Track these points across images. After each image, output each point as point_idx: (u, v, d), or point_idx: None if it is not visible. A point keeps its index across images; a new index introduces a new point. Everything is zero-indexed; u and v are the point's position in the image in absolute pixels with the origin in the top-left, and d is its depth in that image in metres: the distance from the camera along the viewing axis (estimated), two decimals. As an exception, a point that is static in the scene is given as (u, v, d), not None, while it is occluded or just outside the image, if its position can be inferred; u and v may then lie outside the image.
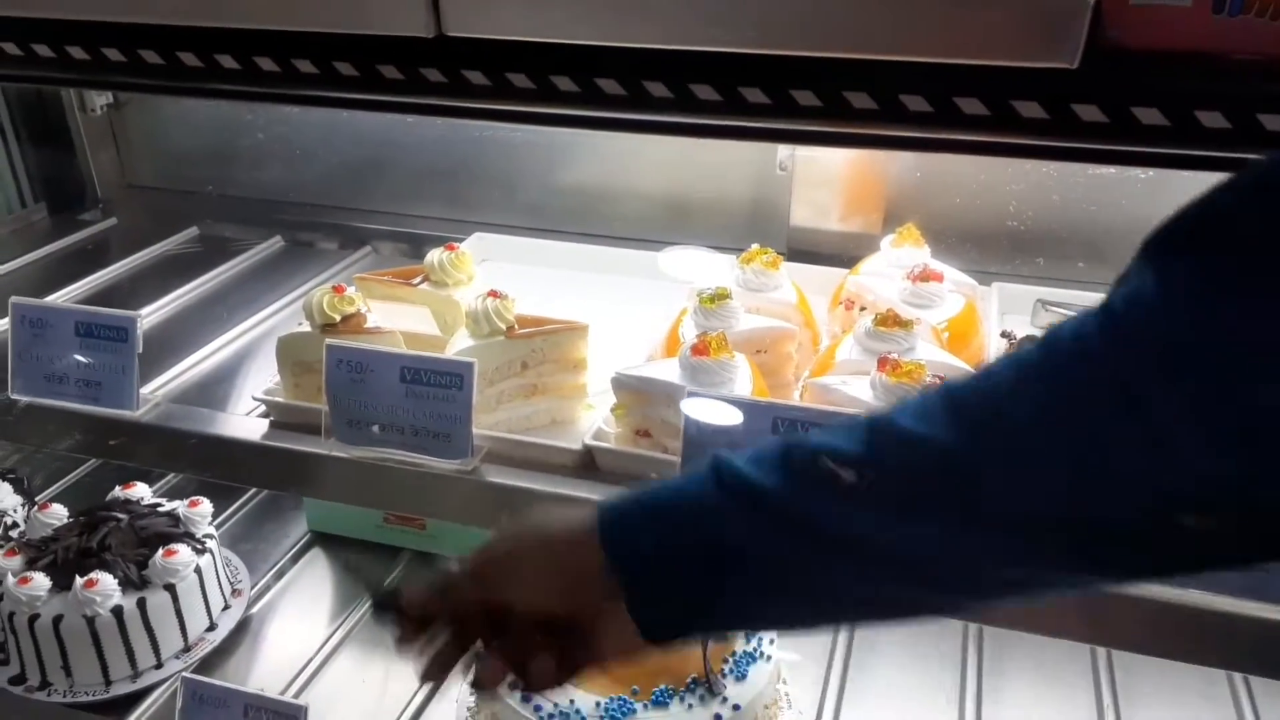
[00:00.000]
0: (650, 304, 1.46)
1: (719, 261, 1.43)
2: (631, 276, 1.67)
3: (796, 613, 0.72)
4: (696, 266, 1.45)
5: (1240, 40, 0.97)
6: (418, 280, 1.38)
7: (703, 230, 1.74)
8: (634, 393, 1.15)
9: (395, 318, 1.30)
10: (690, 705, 1.25)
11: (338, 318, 1.23)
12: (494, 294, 1.23)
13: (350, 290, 1.26)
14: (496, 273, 1.75)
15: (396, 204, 1.99)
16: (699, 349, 1.13)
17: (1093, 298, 1.49)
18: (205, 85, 1.17)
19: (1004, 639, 1.52)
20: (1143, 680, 1.46)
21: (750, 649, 1.33)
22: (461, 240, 1.75)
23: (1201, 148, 0.92)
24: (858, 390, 1.11)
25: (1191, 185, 1.38)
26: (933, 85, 0.98)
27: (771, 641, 1.36)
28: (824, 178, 1.73)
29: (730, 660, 1.31)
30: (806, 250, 1.73)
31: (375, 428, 1.14)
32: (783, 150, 1.72)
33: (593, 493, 1.11)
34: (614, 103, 1.04)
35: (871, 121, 1.02)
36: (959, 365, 1.20)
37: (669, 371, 1.14)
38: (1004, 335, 1.28)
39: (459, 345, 1.20)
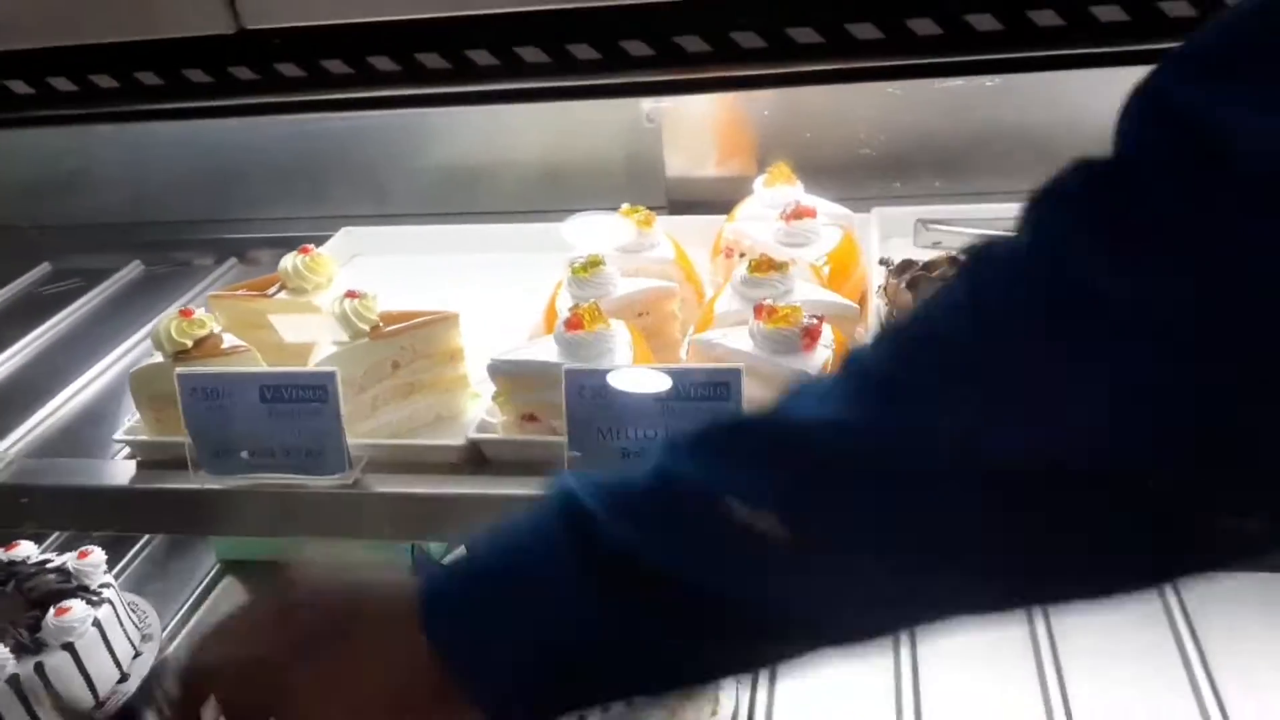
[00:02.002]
0: (535, 279, 1.41)
1: (622, 223, 1.38)
2: (513, 252, 1.61)
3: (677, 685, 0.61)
4: (601, 231, 1.39)
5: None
6: (274, 290, 1.31)
7: (580, 194, 1.68)
8: (511, 378, 1.10)
9: (291, 330, 1.23)
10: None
11: (189, 343, 1.16)
12: (352, 294, 1.16)
13: (200, 312, 1.19)
14: (370, 267, 1.68)
15: (261, 209, 1.89)
16: (572, 323, 1.09)
17: (972, 210, 1.49)
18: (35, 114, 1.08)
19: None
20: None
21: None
22: (330, 237, 1.68)
23: (1038, 48, 0.91)
24: (737, 341, 1.08)
25: (1035, 86, 1.37)
26: (765, 17, 0.95)
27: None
28: (693, 126, 1.69)
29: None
30: (687, 200, 1.69)
31: (244, 453, 1.08)
32: (647, 103, 1.67)
33: (487, 488, 1.06)
34: (437, 77, 0.98)
35: (708, 65, 0.99)
36: (838, 301, 1.18)
37: (546, 350, 1.10)
38: (883, 262, 1.26)
39: (321, 354, 1.14)
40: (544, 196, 1.76)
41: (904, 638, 1.42)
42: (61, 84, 1.04)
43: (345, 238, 1.70)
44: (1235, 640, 1.39)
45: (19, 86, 1.05)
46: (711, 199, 1.64)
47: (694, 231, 1.49)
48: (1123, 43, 0.89)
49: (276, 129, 1.81)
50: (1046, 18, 0.90)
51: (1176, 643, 1.40)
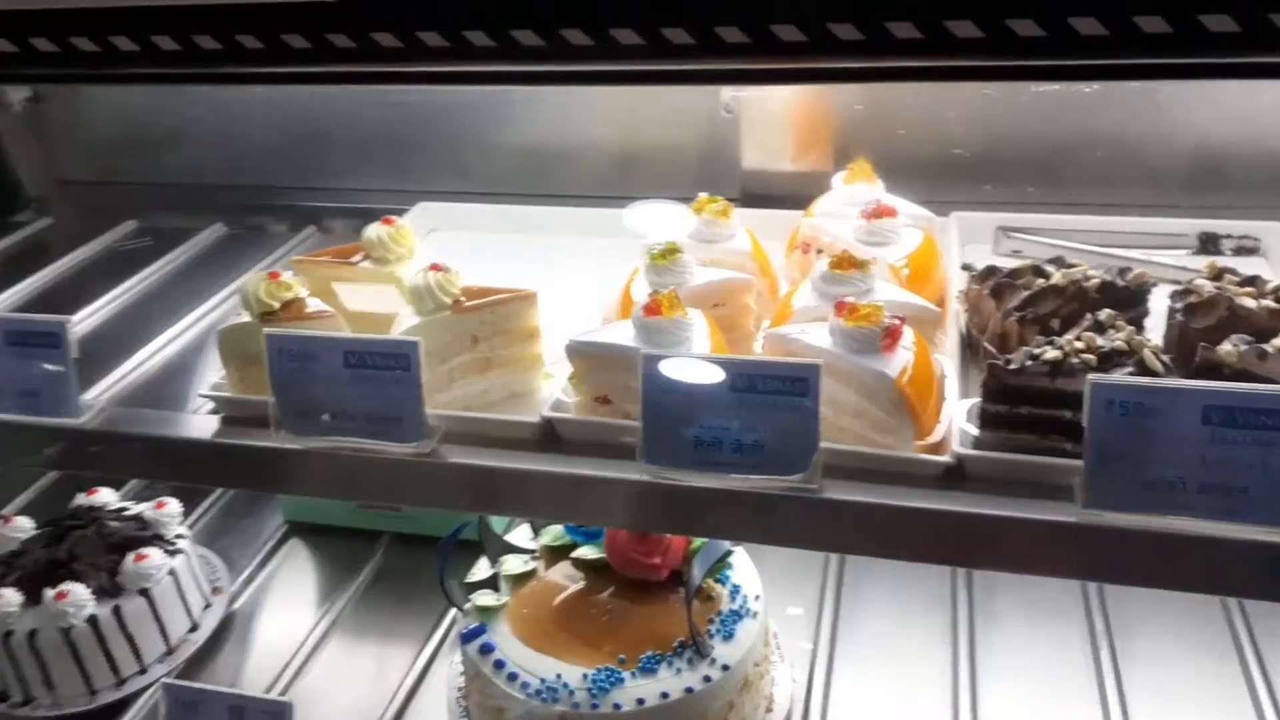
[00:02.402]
0: (607, 263, 1.41)
1: (684, 213, 1.39)
2: (586, 236, 1.62)
3: None
4: (661, 220, 1.40)
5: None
6: (357, 258, 1.33)
7: (655, 182, 1.69)
8: (588, 359, 1.11)
9: (363, 300, 1.25)
10: (679, 669, 1.23)
11: (276, 305, 1.18)
12: (436, 267, 1.18)
13: (286, 275, 1.21)
14: (446, 242, 1.70)
15: (341, 179, 1.92)
16: (651, 309, 1.09)
17: (1054, 220, 1.47)
18: (105, 71, 1.11)
19: (992, 580, 1.51)
20: (1136, 607, 1.45)
21: (736, 607, 1.31)
22: (407, 211, 1.70)
23: (1142, 56, 0.88)
24: (816, 338, 1.08)
25: (1136, 95, 1.34)
26: (862, 11, 0.94)
27: (758, 598, 1.34)
28: (770, 118, 1.68)
29: (716, 620, 1.29)
30: (761, 194, 1.69)
31: (325, 416, 1.10)
32: (726, 93, 1.66)
33: (558, 466, 1.08)
34: (532, 54, 0.98)
35: (802, 56, 0.97)
36: (919, 303, 1.17)
37: (623, 334, 1.11)
38: (965, 268, 1.25)
39: (404, 324, 1.16)
40: (618, 182, 1.76)
41: (963, 651, 1.42)
42: (165, 43, 1.06)
43: (422, 212, 1.73)
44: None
45: (123, 43, 1.07)
46: (785, 193, 1.64)
47: (767, 225, 1.48)
48: (1230, 54, 0.87)
49: (362, 100, 1.85)
50: (1153, 24, 0.87)
51: (1246, 679, 1.36)
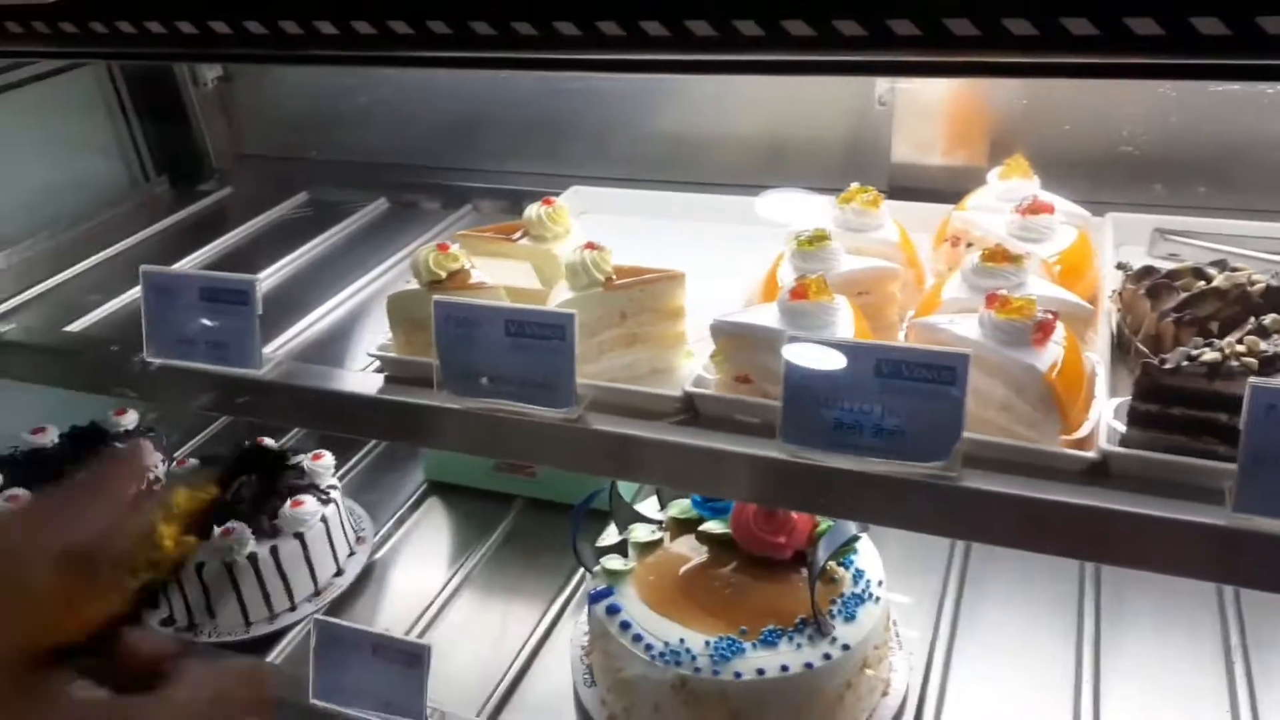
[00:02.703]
0: (748, 249, 1.45)
1: (817, 203, 1.41)
2: (729, 223, 1.66)
3: None
4: (794, 209, 1.42)
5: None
6: (517, 235, 1.40)
7: (801, 172, 1.71)
8: (732, 338, 1.15)
9: (498, 273, 1.33)
10: (799, 645, 1.26)
11: (443, 275, 1.26)
12: (591, 246, 1.24)
13: (454, 248, 1.29)
14: (595, 225, 1.76)
15: (494, 161, 2.01)
16: (798, 292, 1.12)
17: (1213, 225, 1.43)
18: (304, 53, 1.20)
19: (1123, 577, 1.48)
20: (1276, 617, 1.40)
21: (859, 590, 1.33)
22: (559, 194, 1.77)
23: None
24: (965, 329, 1.08)
25: (1231, 104, 1.27)
26: (1037, 6, 0.94)
27: (880, 583, 1.35)
28: (925, 111, 1.67)
29: (839, 601, 1.31)
30: (909, 187, 1.68)
31: (484, 379, 1.17)
32: (881, 84, 1.67)
33: (697, 439, 1.12)
34: (704, 44, 1.02)
35: (974, 49, 0.98)
36: (1072, 299, 1.16)
37: (768, 316, 1.14)
38: (1120, 267, 1.22)
39: (559, 298, 1.22)
40: (766, 172, 1.79)
41: (1087, 651, 1.39)
42: (363, 27, 1.15)
43: (574, 195, 1.79)
44: None
45: (326, 27, 1.16)
46: (934, 187, 1.63)
47: (915, 217, 1.48)
48: None
49: (518, 85, 1.93)
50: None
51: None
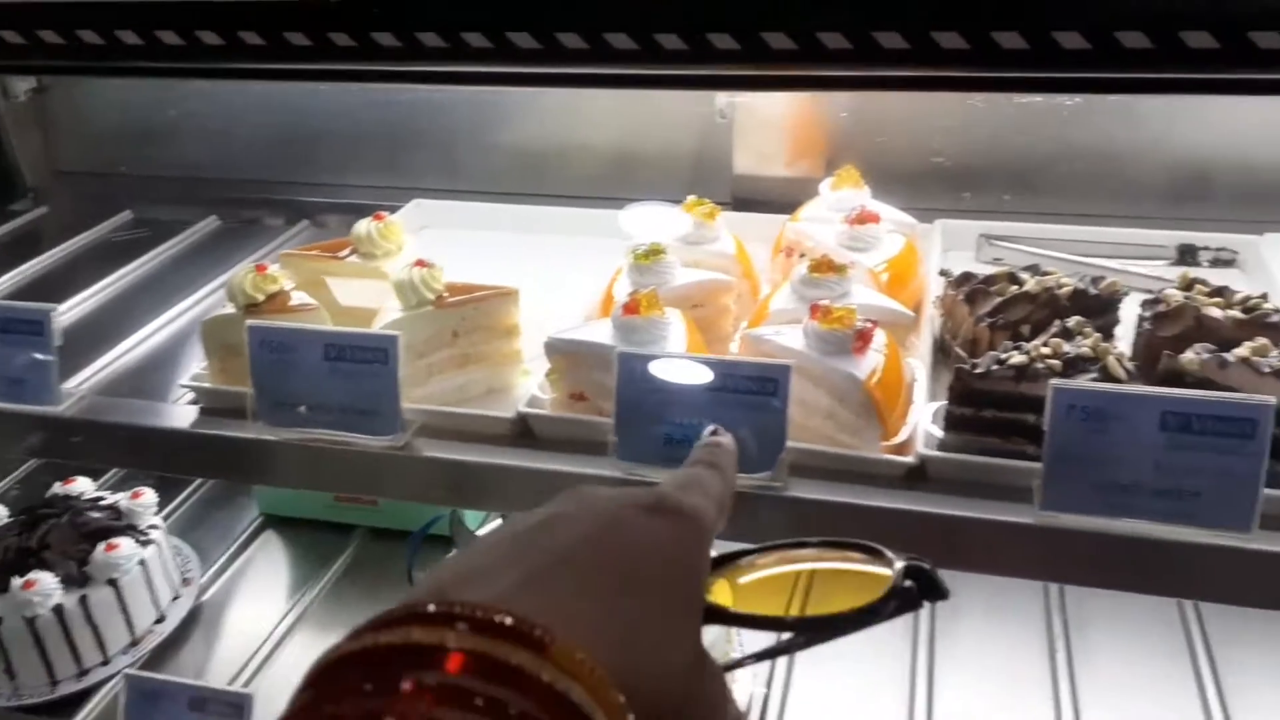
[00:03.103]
0: (595, 263, 1.43)
1: (679, 215, 1.40)
2: (578, 236, 1.64)
3: None
4: (656, 221, 1.42)
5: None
6: (345, 253, 1.35)
7: (648, 184, 1.71)
8: (566, 356, 1.13)
9: (357, 294, 1.27)
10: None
11: (261, 297, 1.20)
12: (421, 263, 1.20)
13: (273, 268, 1.23)
14: (437, 240, 1.71)
15: (336, 174, 1.94)
16: (629, 307, 1.11)
17: (1035, 229, 1.49)
18: (109, 64, 1.13)
19: (954, 575, 1.51)
20: (1094, 606, 1.46)
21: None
22: (400, 208, 1.72)
23: (1125, 70, 0.90)
24: (790, 340, 1.09)
25: (1117, 108, 1.37)
26: (851, 19, 0.96)
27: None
28: (764, 123, 1.70)
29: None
30: (752, 198, 1.71)
31: (302, 408, 1.12)
32: (720, 98, 1.68)
33: (532, 461, 1.09)
34: (527, 57, 1.00)
35: (791, 63, 0.99)
36: (894, 307, 1.18)
37: (601, 332, 1.12)
38: (943, 273, 1.26)
39: (386, 318, 1.17)
40: (611, 184, 1.78)
41: (922, 647, 1.43)
42: (169, 37, 1.08)
43: (416, 209, 1.75)
44: (1253, 674, 1.37)
45: (128, 37, 1.09)
46: (776, 198, 1.65)
47: (756, 229, 1.50)
48: (1211, 70, 0.89)
49: (358, 97, 1.87)
50: (1134, 39, 0.89)
51: (1196, 677, 1.38)
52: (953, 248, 1.51)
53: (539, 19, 1.01)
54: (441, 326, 1.19)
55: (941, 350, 1.21)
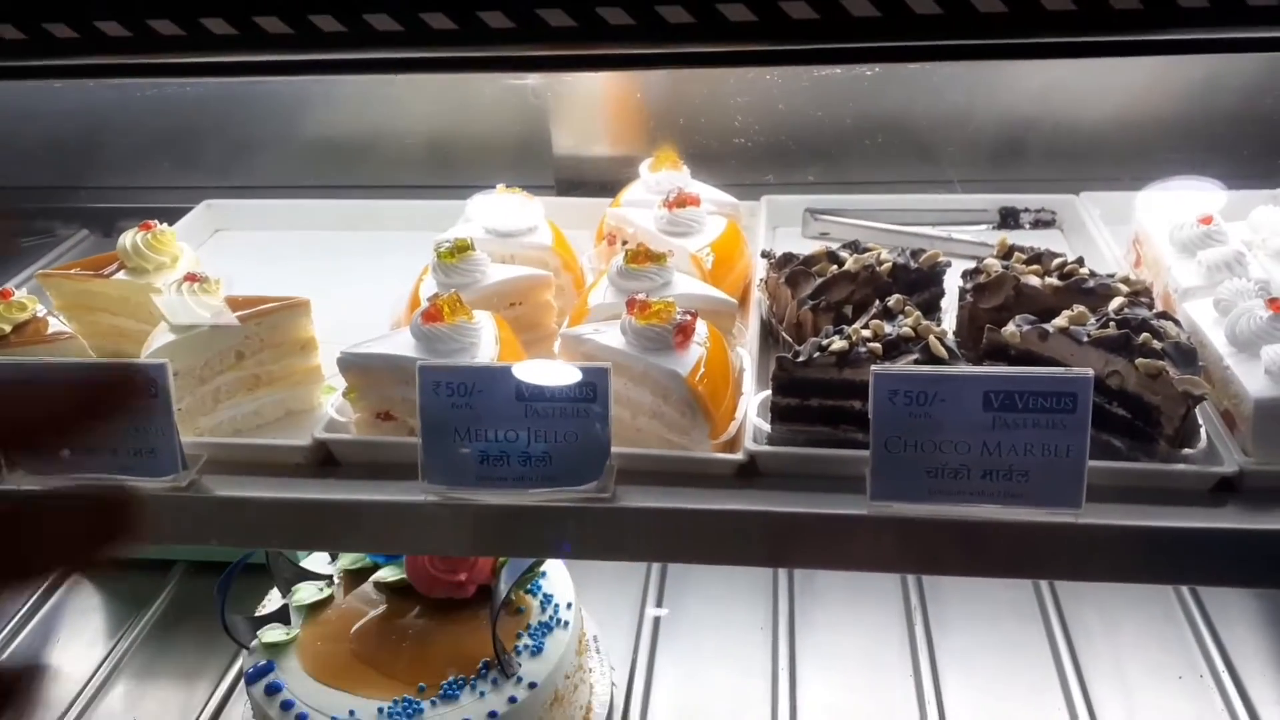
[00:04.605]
0: (413, 262, 1.31)
1: (532, 204, 1.31)
2: (393, 230, 1.53)
3: None
4: (504, 210, 1.31)
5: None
6: (111, 269, 1.19)
7: (469, 171, 1.61)
8: (364, 372, 1.02)
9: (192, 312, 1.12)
10: (482, 693, 1.16)
11: (8, 329, 1.04)
12: (192, 278, 1.07)
13: (20, 294, 1.07)
14: (233, 244, 1.57)
15: (120, 177, 1.75)
16: (430, 314, 1.01)
17: (861, 201, 1.47)
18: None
19: (813, 579, 1.48)
20: (950, 588, 1.46)
21: (547, 618, 1.25)
22: (191, 210, 1.56)
23: (910, 38, 0.86)
24: (610, 338, 1.02)
25: (915, 78, 1.33)
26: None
27: (569, 606, 1.28)
28: (580, 105, 1.62)
29: (525, 634, 1.23)
30: (576, 180, 1.63)
31: (64, 452, 0.97)
32: (532, 78, 1.59)
33: (334, 492, 0.98)
34: (331, 41, 0.90)
35: (575, 42, 0.92)
36: (716, 295, 1.13)
37: (402, 343, 1.02)
38: (765, 255, 1.21)
39: (156, 343, 1.04)
40: (429, 172, 1.67)
41: (783, 639, 1.40)
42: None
43: (206, 211, 1.59)
44: (1106, 643, 1.40)
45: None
46: (601, 179, 1.58)
47: (580, 214, 1.43)
48: (1001, 36, 0.86)
49: (146, 94, 1.68)
50: (924, 5, 0.85)
51: (1051, 647, 1.39)
52: (781, 223, 1.48)
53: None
54: (223, 347, 1.06)
55: (771, 335, 1.16)
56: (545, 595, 1.27)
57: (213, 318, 1.05)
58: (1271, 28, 0.84)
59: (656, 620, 1.44)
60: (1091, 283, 1.04)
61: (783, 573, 1.46)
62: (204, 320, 1.04)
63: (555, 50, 0.95)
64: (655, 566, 1.53)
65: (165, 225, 1.24)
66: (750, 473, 0.96)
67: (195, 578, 1.59)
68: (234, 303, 1.08)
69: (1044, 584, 1.44)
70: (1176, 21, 0.86)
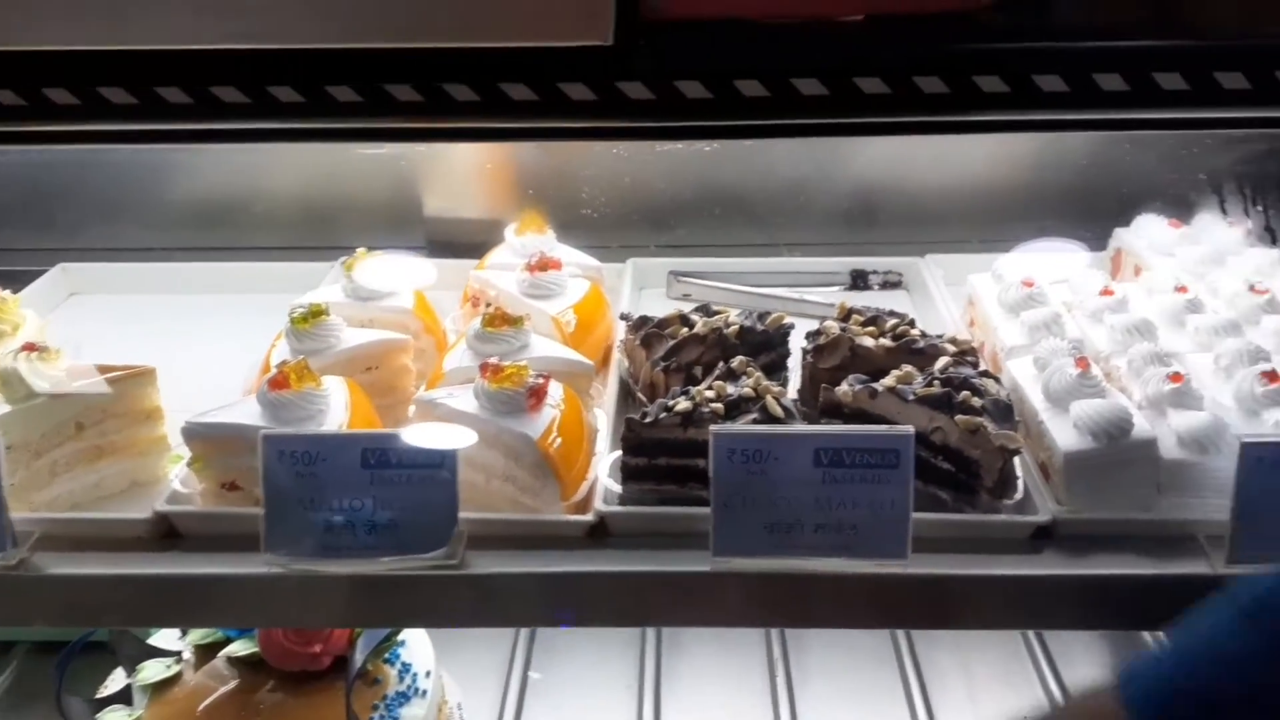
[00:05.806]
0: (279, 324, 1.29)
1: (421, 265, 1.31)
2: (260, 293, 1.50)
3: None
4: (395, 272, 1.31)
5: (775, 4, 0.97)
6: (-56, 339, 1.15)
7: (341, 233, 1.60)
8: (209, 442, 1.01)
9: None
10: (336, 769, 1.13)
11: None
12: (30, 348, 1.04)
13: None
14: (88, 308, 1.53)
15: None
16: (277, 382, 1.01)
17: (723, 264, 1.51)
18: None
19: (679, 633, 1.49)
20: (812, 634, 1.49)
21: (404, 688, 1.23)
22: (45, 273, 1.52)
23: (743, 118, 0.92)
24: (463, 402, 1.03)
25: (746, 153, 1.39)
26: (478, 73, 0.92)
27: (428, 674, 1.27)
28: (450, 168, 1.64)
29: (381, 706, 1.20)
30: (447, 241, 1.64)
31: (-119, 534, 0.93)
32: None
33: (175, 567, 0.96)
34: (180, 112, 0.90)
35: (420, 116, 0.95)
36: (572, 357, 1.15)
37: (248, 412, 1.01)
38: (623, 318, 1.25)
39: (-11, 416, 1.00)
40: (301, 234, 1.66)
41: (648, 689, 1.41)
42: None
43: (61, 274, 1.55)
44: (959, 685, 1.45)
45: None
46: (472, 241, 1.59)
47: (450, 275, 1.43)
48: (821, 116, 0.92)
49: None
50: (752, 88, 0.91)
51: (904, 684, 1.44)
52: (647, 285, 1.52)
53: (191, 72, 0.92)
54: (62, 418, 1.03)
55: (630, 396, 1.19)
56: (404, 664, 1.26)
57: (51, 388, 1.03)
58: (1059, 110, 0.93)
59: (524, 683, 1.43)
60: (921, 343, 1.11)
61: (650, 634, 1.47)
62: (41, 391, 1.01)
63: (402, 124, 0.98)
64: (523, 633, 1.52)
65: (7, 292, 1.20)
66: (601, 533, 0.98)
67: (40, 657, 1.50)
68: (75, 372, 1.05)
69: (899, 631, 1.49)
70: (979, 104, 0.95)
